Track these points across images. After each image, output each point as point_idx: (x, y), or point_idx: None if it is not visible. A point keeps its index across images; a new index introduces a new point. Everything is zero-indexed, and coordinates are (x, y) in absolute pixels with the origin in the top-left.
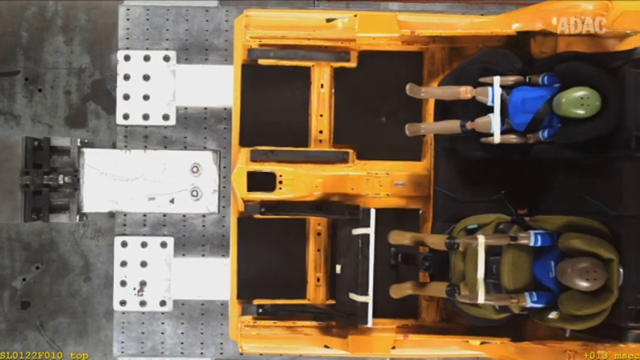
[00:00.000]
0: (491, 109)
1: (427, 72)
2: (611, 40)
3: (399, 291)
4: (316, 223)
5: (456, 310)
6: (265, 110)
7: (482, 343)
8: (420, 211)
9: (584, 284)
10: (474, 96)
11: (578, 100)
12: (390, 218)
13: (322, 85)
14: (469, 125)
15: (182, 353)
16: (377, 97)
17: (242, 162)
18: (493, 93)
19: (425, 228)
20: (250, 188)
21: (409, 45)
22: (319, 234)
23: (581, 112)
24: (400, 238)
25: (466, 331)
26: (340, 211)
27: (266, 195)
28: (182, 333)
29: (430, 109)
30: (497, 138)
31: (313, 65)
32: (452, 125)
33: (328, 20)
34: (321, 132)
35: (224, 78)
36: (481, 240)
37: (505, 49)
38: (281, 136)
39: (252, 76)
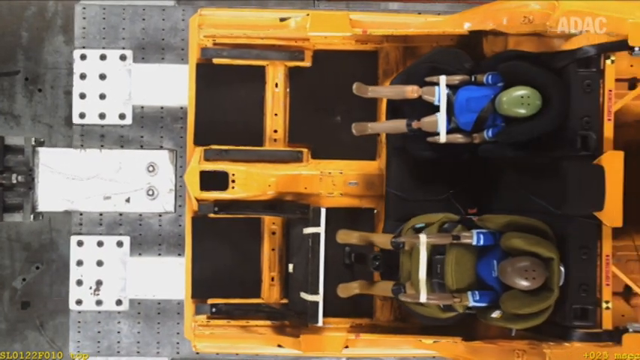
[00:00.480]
0: (438, 109)
1: (382, 71)
2: (558, 39)
3: (347, 290)
4: (271, 223)
5: (406, 309)
6: (220, 109)
7: (434, 342)
8: (375, 211)
9: (523, 283)
10: (421, 95)
11: (519, 100)
12: (344, 217)
13: (277, 85)
14: (415, 124)
15: (138, 352)
16: (332, 97)
17: (195, 161)
18: (440, 92)
19: (379, 227)
20: (206, 187)
21: (363, 44)
22: (274, 233)
23: (522, 111)
24: (347, 237)
25: (420, 331)
26: (292, 210)
27: (219, 194)
28: (138, 332)
29: (385, 108)
30: (442, 137)
31: (268, 64)
32: (399, 124)
33: (282, 19)
34: (275, 131)
35: (181, 77)
36: (423, 239)
37: (457, 49)
38: (236, 136)
39: (207, 76)
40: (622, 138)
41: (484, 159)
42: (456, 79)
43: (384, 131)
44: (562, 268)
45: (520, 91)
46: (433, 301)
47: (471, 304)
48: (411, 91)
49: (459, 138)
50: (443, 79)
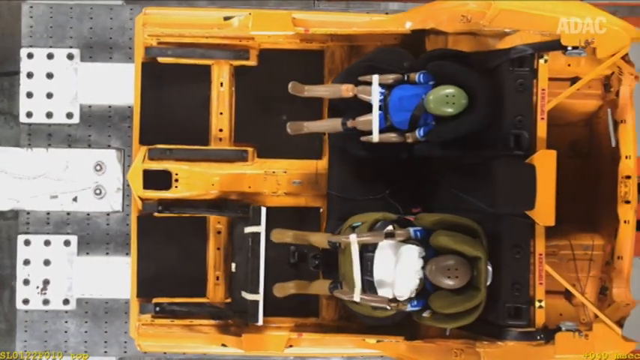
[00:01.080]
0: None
1: (327, 70)
2: (493, 38)
3: (282, 290)
4: (216, 222)
5: (348, 309)
6: (167, 108)
7: (378, 341)
8: (321, 209)
9: (447, 282)
10: (356, 94)
11: (444, 98)
12: (290, 216)
13: (222, 84)
14: (350, 124)
15: (86, 352)
16: (278, 96)
17: (138, 160)
18: (379, 91)
19: (325, 226)
20: (151, 186)
21: (309, 43)
22: (219, 232)
23: (448, 109)
24: (281, 236)
25: (365, 330)
26: (235, 209)
27: (162, 193)
28: (86, 332)
29: None
30: (375, 137)
31: (213, 63)
32: (334, 123)
33: (226, 19)
34: (221, 130)
35: (128, 76)
36: (353, 238)
37: (399, 48)
38: (182, 135)
39: (154, 75)
40: (568, 137)
41: (423, 159)
42: (390, 77)
43: (319, 130)
44: (490, 268)
45: (446, 90)
46: (367, 301)
47: (409, 309)
48: (346, 89)
49: (392, 137)
50: (375, 78)
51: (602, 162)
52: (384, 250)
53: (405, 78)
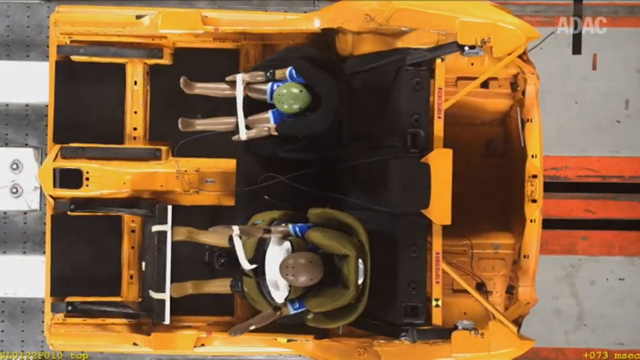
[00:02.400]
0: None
1: (242, 69)
2: (394, 37)
3: (179, 290)
4: (130, 221)
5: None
6: (82, 107)
7: (288, 340)
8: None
9: (288, 278)
10: (247, 93)
11: (281, 97)
12: (206, 215)
13: (136, 82)
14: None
15: (2, 351)
16: (193, 95)
17: (49, 159)
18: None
19: None
20: (65, 185)
21: (222, 42)
22: (133, 231)
23: (284, 106)
24: (177, 233)
25: (279, 329)
26: (146, 208)
27: (73, 192)
28: (2, 331)
29: None
30: (242, 135)
31: (127, 62)
32: (226, 121)
33: (138, 17)
34: (135, 129)
35: (46, 74)
36: (235, 230)
37: (306, 46)
38: (98, 133)
39: (69, 73)
40: (484, 137)
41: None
42: (258, 74)
43: (211, 128)
44: (361, 266)
45: (283, 90)
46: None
47: (292, 312)
48: (231, 89)
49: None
50: (239, 77)
51: (515, 161)
52: (273, 248)
53: (269, 75)
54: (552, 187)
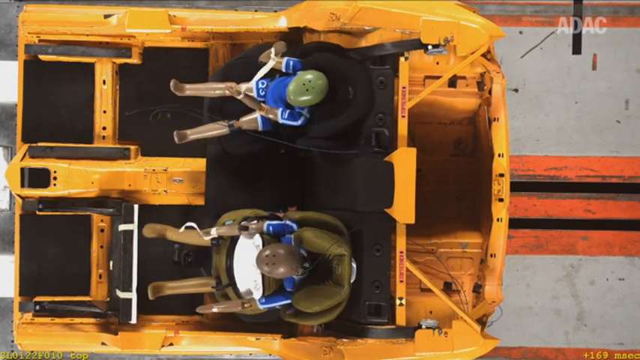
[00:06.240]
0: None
1: (212, 68)
2: (358, 36)
3: (157, 290)
4: (99, 220)
5: None
6: (51, 107)
7: (256, 339)
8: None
9: (264, 268)
10: (240, 92)
11: (301, 87)
12: (177, 215)
13: (104, 82)
14: (236, 124)
15: None
16: (163, 94)
17: (17, 158)
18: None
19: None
20: (33, 185)
21: (191, 41)
22: (102, 230)
23: (305, 97)
24: (149, 231)
25: (249, 328)
26: (113, 207)
27: (41, 191)
28: None
29: None
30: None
31: (96, 61)
32: (218, 127)
33: (106, 16)
34: (104, 128)
35: (16, 74)
36: (213, 232)
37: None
38: (67, 133)
39: (38, 73)
40: (454, 136)
41: (301, 159)
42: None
43: (204, 136)
44: (354, 265)
45: (305, 77)
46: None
47: (261, 307)
48: (228, 87)
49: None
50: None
51: (484, 160)
52: (244, 242)
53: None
54: (552, 187)
